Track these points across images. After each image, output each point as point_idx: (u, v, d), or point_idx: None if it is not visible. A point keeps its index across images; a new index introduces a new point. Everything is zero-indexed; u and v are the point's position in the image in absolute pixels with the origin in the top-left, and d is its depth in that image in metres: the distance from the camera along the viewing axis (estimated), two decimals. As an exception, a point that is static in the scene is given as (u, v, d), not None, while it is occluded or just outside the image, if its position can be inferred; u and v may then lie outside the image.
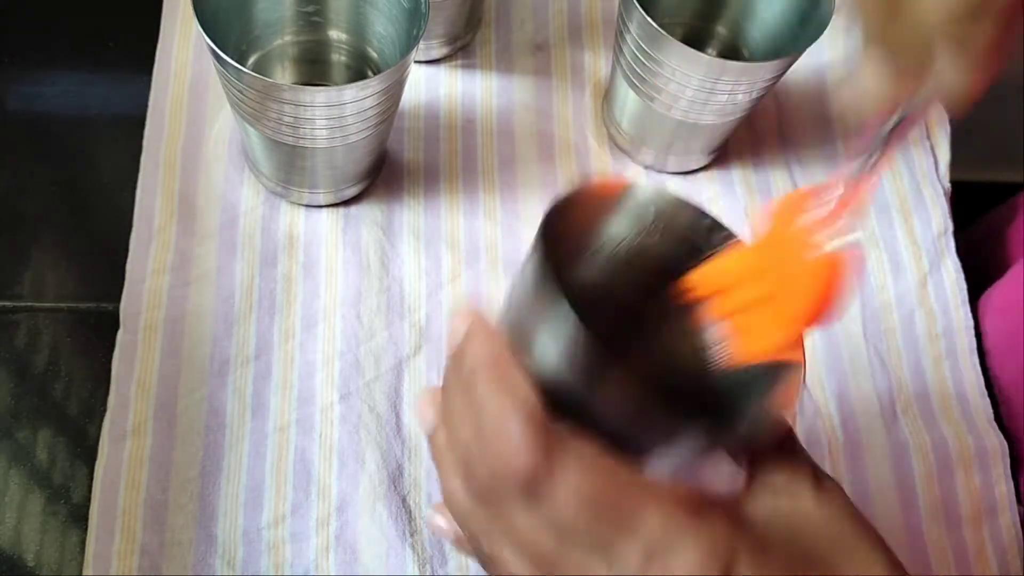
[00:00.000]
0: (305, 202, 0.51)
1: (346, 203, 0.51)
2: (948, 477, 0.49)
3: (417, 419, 0.31)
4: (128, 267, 0.49)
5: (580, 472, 0.26)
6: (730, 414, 0.31)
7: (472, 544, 0.30)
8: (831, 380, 0.50)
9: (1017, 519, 0.49)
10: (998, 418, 0.51)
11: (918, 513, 0.48)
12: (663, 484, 0.28)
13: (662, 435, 0.28)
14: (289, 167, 0.48)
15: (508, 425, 0.26)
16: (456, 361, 0.29)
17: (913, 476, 0.49)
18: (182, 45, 0.55)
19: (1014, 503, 0.49)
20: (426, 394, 0.32)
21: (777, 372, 0.30)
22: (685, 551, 0.26)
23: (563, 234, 0.30)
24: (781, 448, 0.31)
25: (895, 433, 0.49)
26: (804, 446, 0.49)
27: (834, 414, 0.50)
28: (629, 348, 0.34)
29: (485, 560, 0.30)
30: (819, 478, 0.31)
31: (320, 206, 0.51)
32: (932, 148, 0.57)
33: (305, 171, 0.48)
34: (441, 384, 0.30)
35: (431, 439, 0.31)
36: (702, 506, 0.27)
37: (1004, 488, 0.49)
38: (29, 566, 0.43)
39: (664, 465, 0.29)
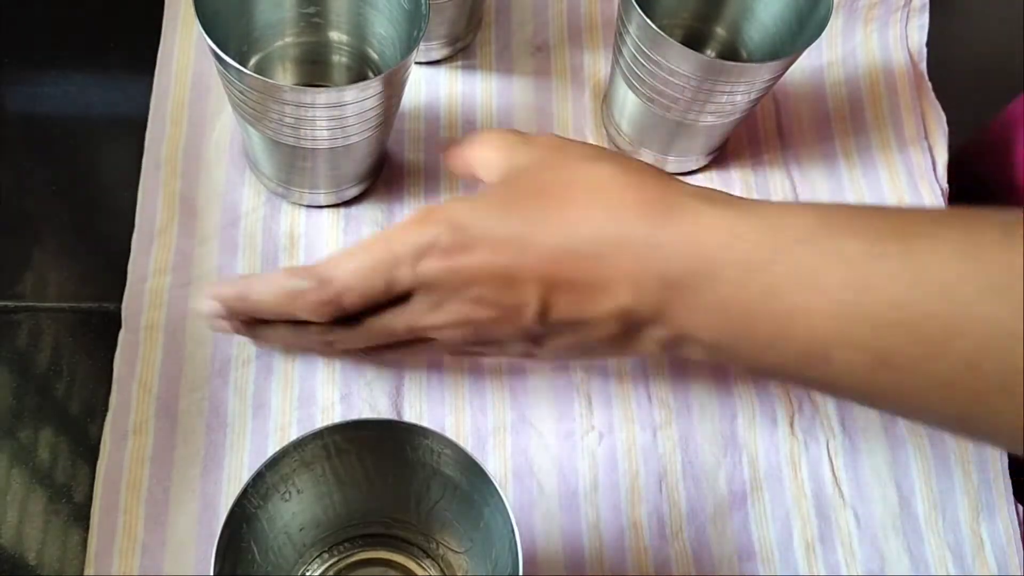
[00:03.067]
0: (306, 203, 0.51)
1: (347, 203, 0.51)
2: (946, 477, 0.49)
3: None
4: (130, 267, 0.49)
5: (345, 264, 0.38)
6: None
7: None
8: (830, 380, 0.51)
9: (1015, 518, 0.49)
10: (996, 418, 0.51)
11: (916, 512, 0.48)
12: (398, 224, 0.38)
13: None
14: (290, 168, 0.48)
15: (291, 286, 0.39)
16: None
17: (911, 475, 0.49)
18: (183, 46, 0.55)
19: (1012, 502, 0.49)
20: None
21: None
22: (429, 245, 0.36)
23: None
24: (492, 143, 0.40)
25: (893, 433, 0.50)
26: (804, 446, 0.50)
27: (833, 414, 0.50)
28: None
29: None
30: (527, 136, 0.40)
31: (321, 206, 0.51)
32: (930, 148, 0.57)
33: (306, 172, 0.48)
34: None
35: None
36: (428, 211, 0.37)
37: (1002, 487, 0.49)
38: (31, 565, 0.43)
39: None
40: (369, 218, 0.51)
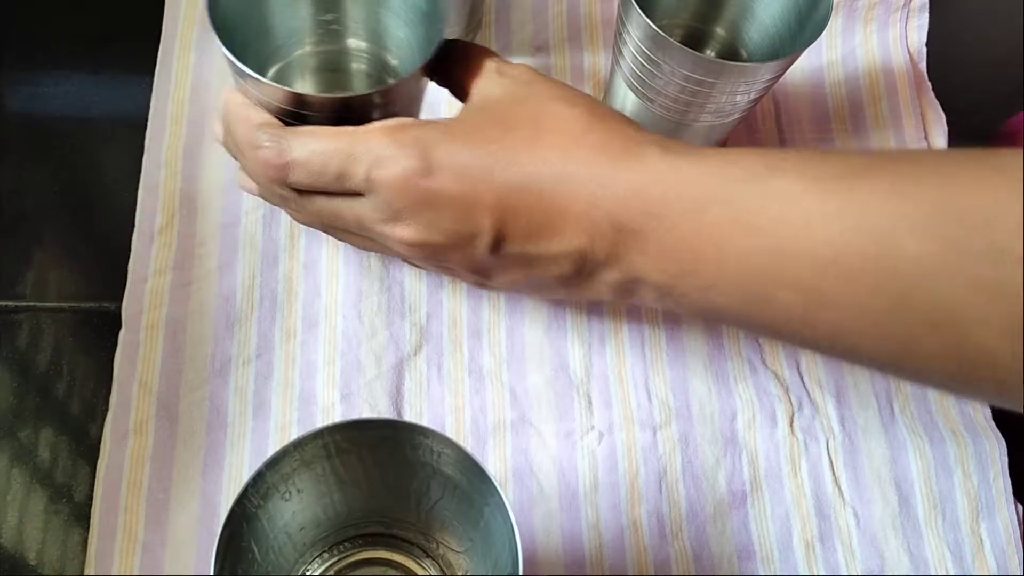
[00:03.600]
0: None
1: (347, 203, 0.51)
2: (946, 476, 0.49)
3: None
4: (130, 267, 0.49)
5: (307, 142, 0.37)
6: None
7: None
8: (829, 381, 0.51)
9: (1015, 518, 0.49)
10: (996, 417, 0.51)
11: (916, 512, 0.48)
12: (371, 124, 0.38)
13: (358, 113, 0.39)
14: None
15: (255, 137, 0.38)
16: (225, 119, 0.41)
17: (911, 475, 0.49)
18: (183, 46, 0.55)
19: (1012, 502, 0.49)
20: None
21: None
22: (390, 158, 0.36)
23: None
24: (468, 65, 0.41)
25: (893, 433, 0.50)
26: (804, 446, 0.50)
27: (832, 414, 0.50)
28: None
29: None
30: (503, 65, 0.40)
31: None
32: (930, 148, 0.57)
33: None
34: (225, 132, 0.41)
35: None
36: (400, 126, 0.37)
37: (1002, 487, 0.49)
38: (31, 565, 0.43)
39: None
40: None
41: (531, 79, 0.39)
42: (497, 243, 0.37)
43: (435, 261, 0.39)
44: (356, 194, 0.38)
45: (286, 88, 0.39)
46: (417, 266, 0.44)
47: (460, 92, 0.41)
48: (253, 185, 0.42)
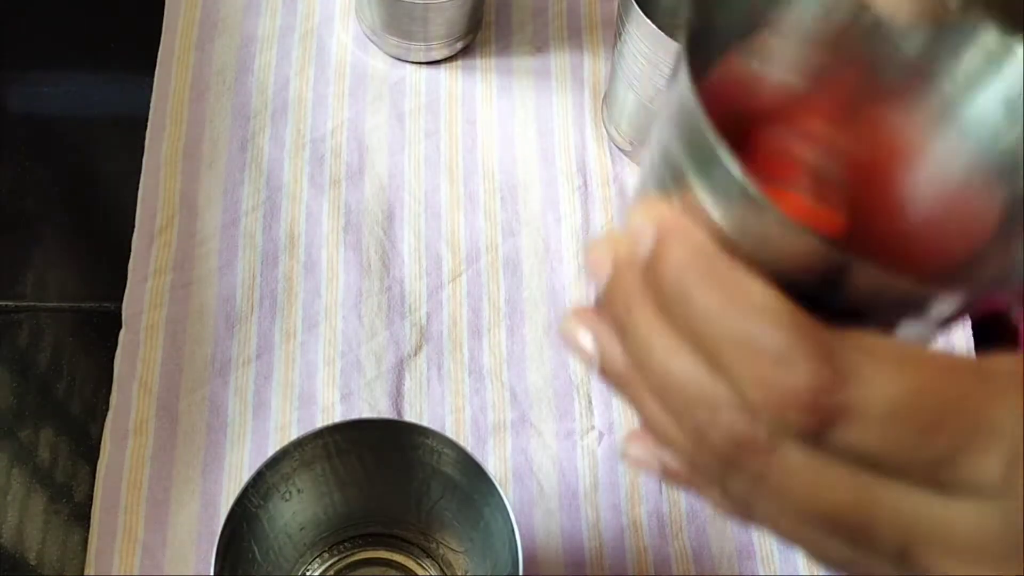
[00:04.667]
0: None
1: (345, 202, 0.51)
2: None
3: (568, 346, 0.23)
4: (130, 267, 0.49)
5: (889, 378, 0.18)
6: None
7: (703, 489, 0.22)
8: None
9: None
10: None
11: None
12: (1002, 361, 0.19)
13: (913, 306, 0.20)
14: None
15: (765, 341, 0.18)
16: (637, 271, 0.21)
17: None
18: (183, 45, 0.55)
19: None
20: (577, 317, 0.23)
21: None
22: None
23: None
24: None
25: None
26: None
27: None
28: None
29: (729, 508, 0.22)
30: None
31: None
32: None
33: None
34: (601, 303, 0.22)
35: (603, 370, 0.23)
36: None
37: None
38: (31, 565, 0.43)
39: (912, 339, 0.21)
40: (369, 218, 0.51)
41: None
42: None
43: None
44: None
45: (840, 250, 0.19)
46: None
47: None
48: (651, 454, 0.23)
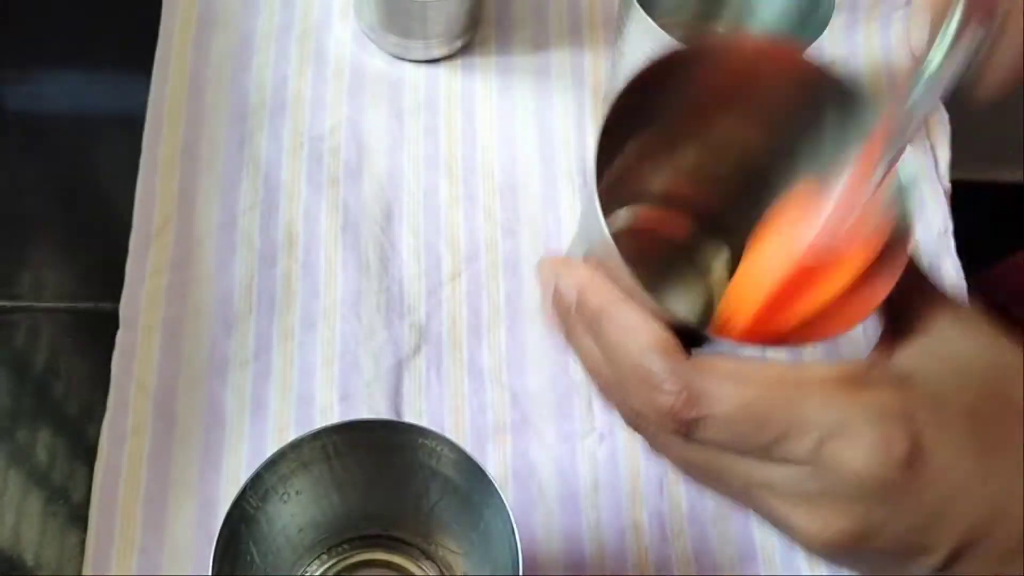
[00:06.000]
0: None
1: (344, 201, 0.51)
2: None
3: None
4: (127, 267, 0.48)
5: (732, 393, 0.25)
6: None
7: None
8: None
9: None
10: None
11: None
12: (811, 368, 0.26)
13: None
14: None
15: (643, 372, 0.26)
16: (568, 309, 0.29)
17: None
18: (181, 45, 0.55)
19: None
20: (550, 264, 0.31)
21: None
22: (858, 434, 0.24)
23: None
24: (911, 287, 0.29)
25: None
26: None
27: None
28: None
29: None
30: (954, 306, 0.29)
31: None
32: (932, 147, 0.57)
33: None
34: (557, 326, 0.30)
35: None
36: (860, 377, 0.26)
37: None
38: (28, 566, 0.43)
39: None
40: (368, 217, 0.51)
41: (992, 338, 0.29)
42: (949, 561, 0.26)
43: (840, 558, 0.27)
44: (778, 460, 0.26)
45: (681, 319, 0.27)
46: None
47: (895, 314, 0.30)
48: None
